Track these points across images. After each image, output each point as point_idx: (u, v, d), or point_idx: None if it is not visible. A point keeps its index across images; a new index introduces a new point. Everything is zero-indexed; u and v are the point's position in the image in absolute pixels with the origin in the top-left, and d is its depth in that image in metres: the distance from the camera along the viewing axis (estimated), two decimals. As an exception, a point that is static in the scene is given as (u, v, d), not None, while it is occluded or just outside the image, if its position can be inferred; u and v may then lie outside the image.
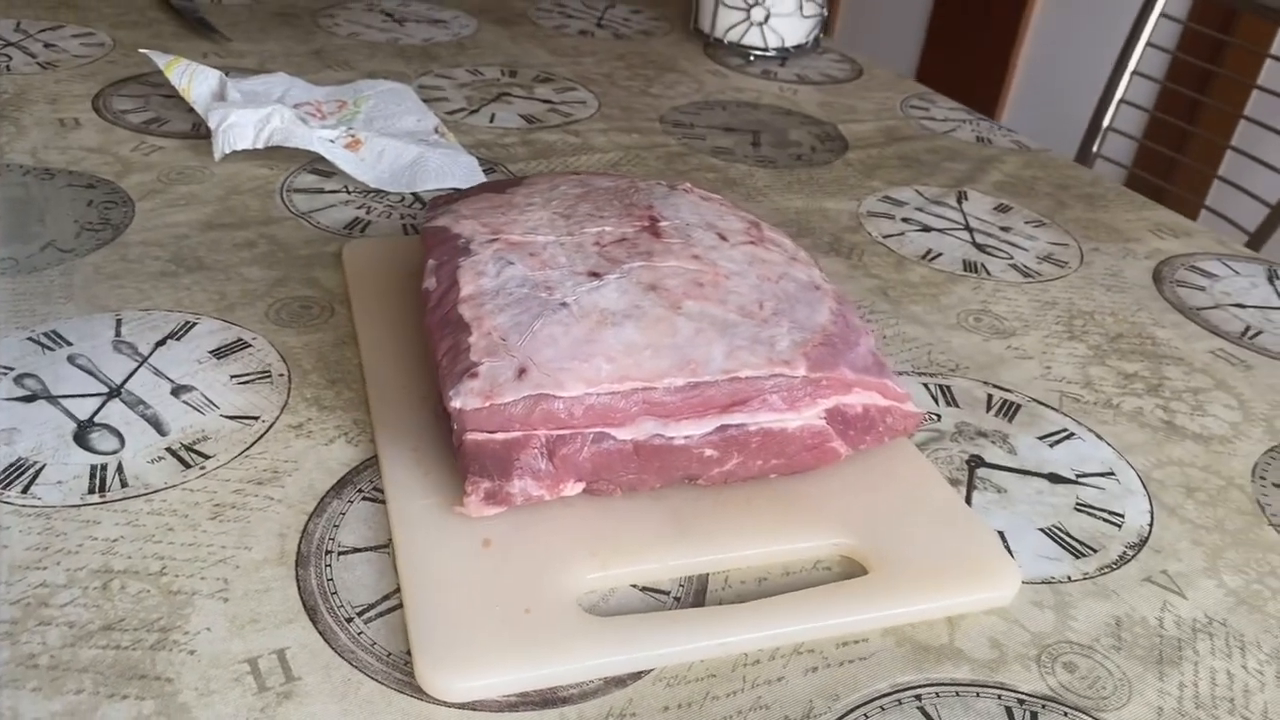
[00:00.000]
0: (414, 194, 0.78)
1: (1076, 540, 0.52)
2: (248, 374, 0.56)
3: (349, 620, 0.43)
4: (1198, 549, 0.52)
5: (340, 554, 0.46)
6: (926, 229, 0.82)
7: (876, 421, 0.53)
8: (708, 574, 0.47)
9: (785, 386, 0.50)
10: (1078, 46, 2.21)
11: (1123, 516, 0.54)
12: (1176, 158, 1.64)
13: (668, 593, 0.46)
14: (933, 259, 0.77)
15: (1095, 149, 1.48)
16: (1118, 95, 1.47)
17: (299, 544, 0.46)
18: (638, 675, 0.42)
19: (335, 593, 0.44)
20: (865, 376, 0.52)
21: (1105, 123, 1.48)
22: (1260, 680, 0.45)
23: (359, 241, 0.69)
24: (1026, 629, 0.46)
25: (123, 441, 0.51)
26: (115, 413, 0.52)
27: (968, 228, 0.83)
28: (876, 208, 0.84)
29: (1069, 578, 0.49)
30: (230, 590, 0.43)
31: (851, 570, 0.48)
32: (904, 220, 0.83)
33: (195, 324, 0.60)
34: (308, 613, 0.43)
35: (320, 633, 0.42)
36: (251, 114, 0.78)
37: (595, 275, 0.53)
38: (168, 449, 0.51)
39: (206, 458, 0.50)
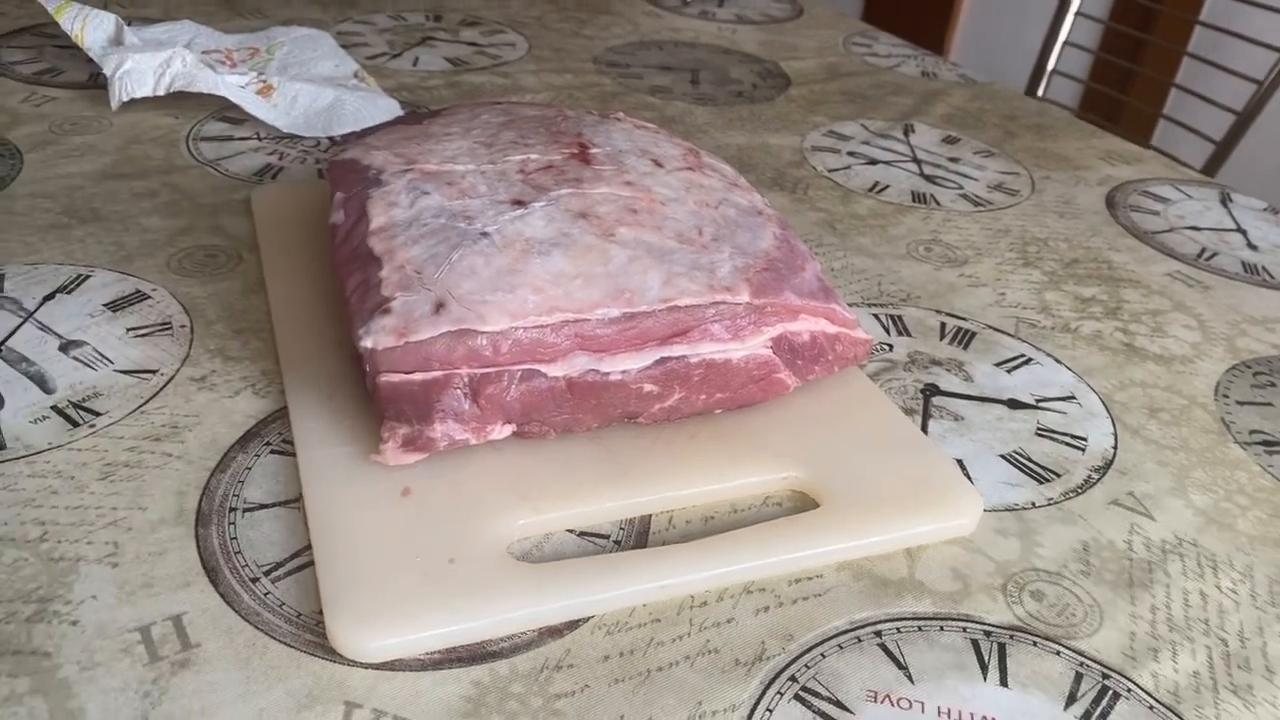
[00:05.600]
0: (330, 138, 0.73)
1: (1039, 466, 0.49)
2: (146, 326, 0.52)
3: (254, 580, 0.39)
4: (1164, 470, 0.49)
5: (246, 511, 0.42)
6: (873, 162, 0.79)
7: (825, 350, 0.50)
8: (650, 515, 0.44)
9: (728, 315, 0.47)
10: (1019, -7, 2.19)
11: (1086, 440, 0.51)
12: (1121, 97, 1.63)
13: (607, 536, 0.42)
14: (880, 191, 0.74)
15: (1041, 91, 1.46)
16: (1061, 36, 1.45)
17: (199, 502, 0.42)
18: (575, 624, 0.38)
19: (239, 552, 0.40)
20: (811, 302, 0.49)
21: (1050, 65, 1.46)
22: (1235, 600, 0.42)
23: (269, 186, 0.64)
24: (991, 558, 0.43)
25: (1, 401, 0.46)
26: (-5, 371, 0.48)
27: (915, 160, 0.80)
28: (821, 142, 0.81)
29: (1033, 504, 0.46)
30: (120, 554, 0.39)
31: (804, 505, 0.45)
32: (850, 154, 0.79)
33: (89, 277, 0.55)
34: (208, 574, 0.39)
35: (221, 595, 0.38)
36: (150, 59, 0.73)
37: (519, 203, 0.49)
38: (53, 407, 0.46)
39: (97, 415, 0.46)
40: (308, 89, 0.75)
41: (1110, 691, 0.38)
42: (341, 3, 1.00)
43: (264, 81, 0.76)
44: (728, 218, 0.52)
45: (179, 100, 0.76)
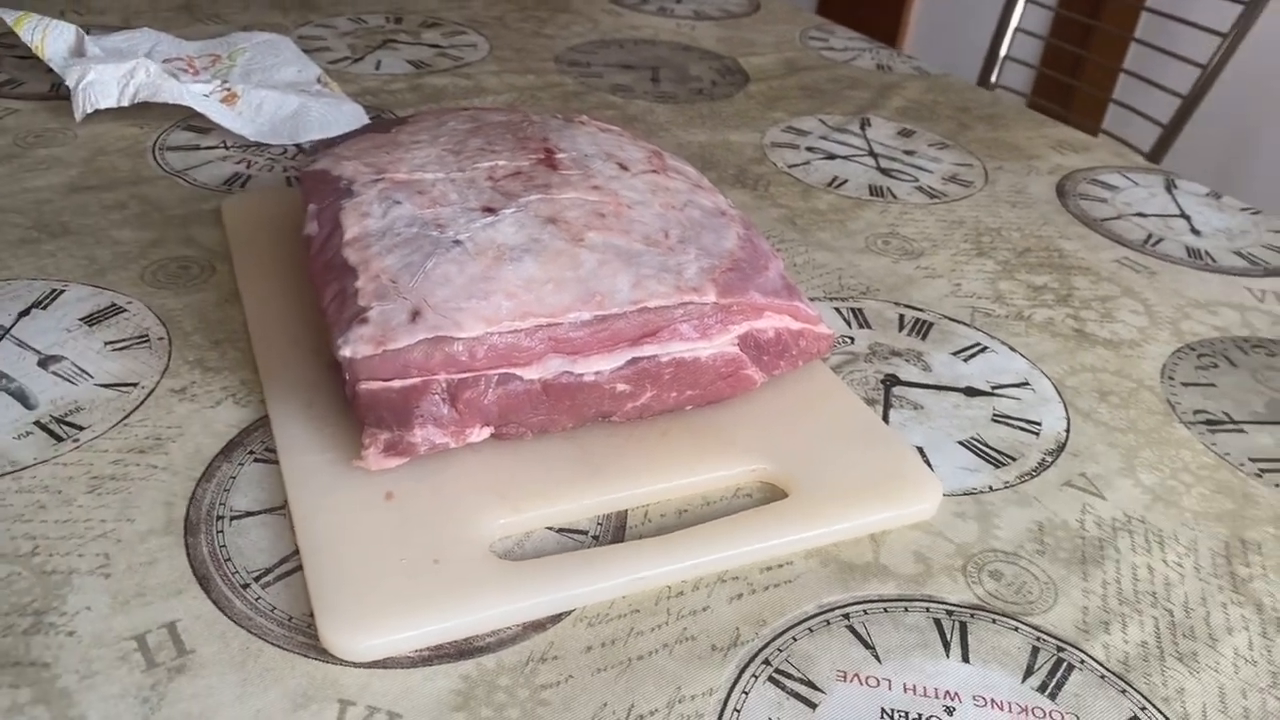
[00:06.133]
0: (297, 145, 0.73)
1: (995, 451, 0.51)
2: (123, 340, 0.52)
3: (245, 586, 0.40)
4: (1114, 451, 0.52)
5: (233, 519, 0.43)
6: (831, 157, 0.81)
7: (790, 345, 0.52)
8: (626, 510, 0.45)
9: (696, 314, 0.48)
10: (971, -20, 2.22)
11: (1040, 424, 0.53)
12: (1072, 83, 1.66)
13: (586, 532, 0.44)
14: (839, 186, 0.76)
15: (994, 79, 1.49)
16: (1013, 24, 1.48)
17: (187, 511, 0.43)
18: (557, 618, 0.40)
19: (229, 559, 0.41)
20: (775, 300, 0.51)
21: (1002, 52, 1.49)
22: (1180, 573, 0.45)
23: (239, 196, 0.65)
24: (951, 540, 0.45)
25: (-15, 419, 0.47)
26: (-24, 389, 0.48)
27: (872, 153, 0.82)
28: (780, 138, 0.83)
29: (990, 488, 0.49)
30: (112, 565, 0.40)
31: (773, 496, 0.46)
32: (809, 149, 0.81)
33: (63, 291, 0.56)
34: (199, 582, 0.40)
35: (214, 601, 0.39)
36: (114, 69, 0.73)
37: (490, 210, 0.51)
38: (36, 423, 0.47)
39: (80, 429, 0.47)
40: (272, 96, 0.76)
41: (1065, 663, 0.40)
42: (302, 6, 1.01)
43: (228, 89, 0.76)
44: (693, 219, 0.53)
45: (143, 110, 0.76)
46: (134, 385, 0.50)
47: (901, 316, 0.61)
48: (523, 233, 0.49)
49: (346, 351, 0.44)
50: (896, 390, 0.55)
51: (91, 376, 0.50)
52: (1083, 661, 0.40)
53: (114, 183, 0.67)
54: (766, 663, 0.39)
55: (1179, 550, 0.46)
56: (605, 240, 0.50)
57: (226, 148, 0.73)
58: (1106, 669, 0.40)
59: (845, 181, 0.77)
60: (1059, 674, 0.40)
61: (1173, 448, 0.52)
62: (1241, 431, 0.54)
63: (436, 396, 0.45)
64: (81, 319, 0.54)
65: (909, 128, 0.87)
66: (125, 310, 0.55)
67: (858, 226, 0.71)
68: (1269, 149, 1.80)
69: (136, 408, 0.48)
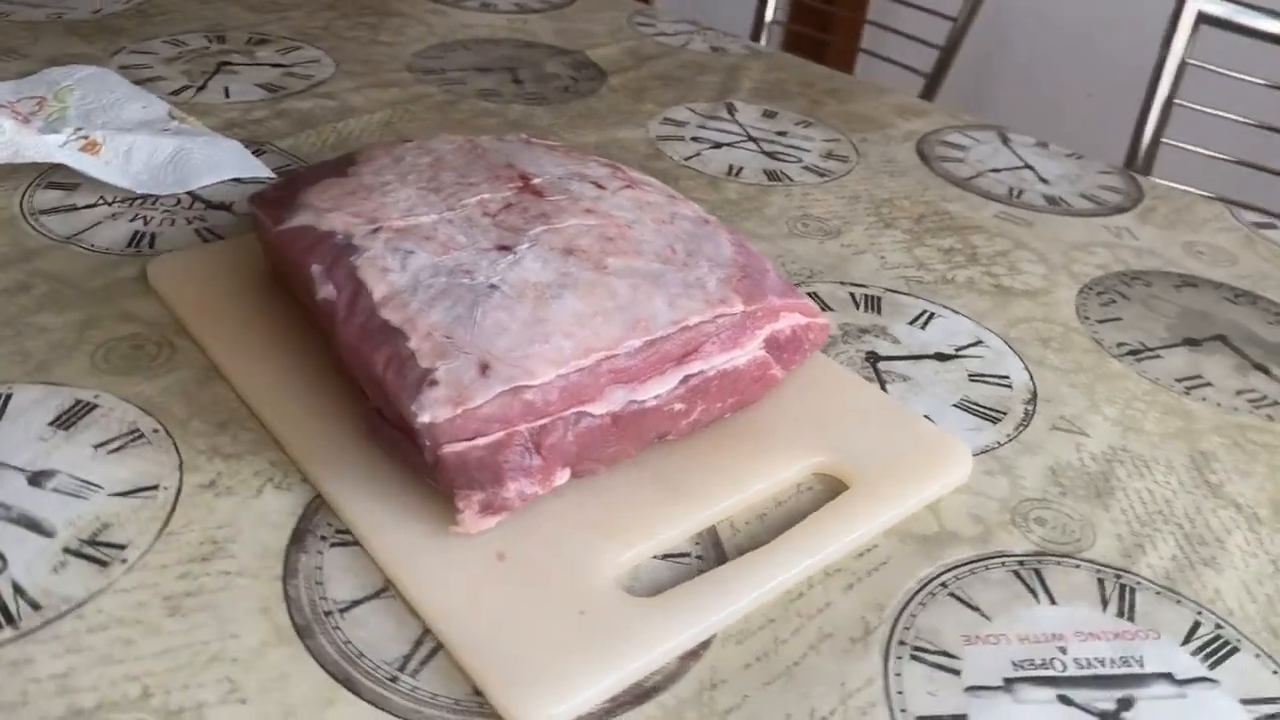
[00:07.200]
0: (190, 194, 0.68)
1: (986, 408, 0.57)
2: (114, 439, 0.48)
3: (393, 680, 0.38)
4: (1075, 391, 0.59)
5: (342, 611, 0.41)
6: (717, 145, 0.84)
7: (801, 340, 0.54)
8: (714, 525, 0.47)
9: (729, 325, 0.50)
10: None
11: (1008, 377, 0.59)
12: (824, 37, 1.78)
13: (688, 554, 0.45)
14: (738, 174, 0.79)
15: (763, 40, 1.57)
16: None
17: (289, 615, 0.40)
18: (705, 644, 0.41)
19: (362, 655, 0.39)
20: (788, 299, 0.53)
21: (768, 17, 1.58)
22: (1171, 490, 0.52)
23: (162, 260, 0.59)
24: (991, 497, 0.50)
25: (3, 560, 0.41)
26: (-30, 525, 0.42)
27: (751, 138, 0.86)
28: (663, 131, 0.85)
29: (998, 443, 0.54)
30: (242, 689, 0.37)
31: (830, 485, 0.49)
32: (693, 140, 0.84)
33: (9, 396, 0.49)
34: (344, 685, 0.38)
35: (371, 702, 0.37)
36: (-47, 129, 0.64)
37: (505, 249, 0.50)
38: (65, 550, 0.42)
39: (121, 548, 0.42)
40: (143, 140, 0.69)
41: (1127, 588, 0.46)
42: (103, 31, 0.91)
43: (85, 137, 0.69)
44: (686, 231, 0.55)
45: (-16, 170, 0.67)
46: (154, 488, 0.45)
47: (852, 295, 0.65)
48: (549, 268, 0.49)
49: (425, 417, 0.43)
50: (881, 365, 0.59)
51: (100, 487, 0.45)
52: (1139, 584, 0.46)
53: (2, 262, 0.59)
54: (902, 643, 0.42)
55: (1161, 471, 0.53)
56: (626, 265, 0.51)
57: (108, 203, 0.66)
58: (1159, 585, 0.46)
59: (741, 169, 0.80)
60: (1127, 598, 0.45)
61: (1116, 381, 0.60)
62: (1159, 357, 0.63)
63: (520, 447, 0.44)
64: (51, 424, 0.48)
65: (770, 109, 0.91)
66: (97, 406, 0.49)
67: (773, 212, 0.74)
68: (1005, 74, 2.03)
69: (171, 513, 0.44)
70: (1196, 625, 0.44)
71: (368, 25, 0.99)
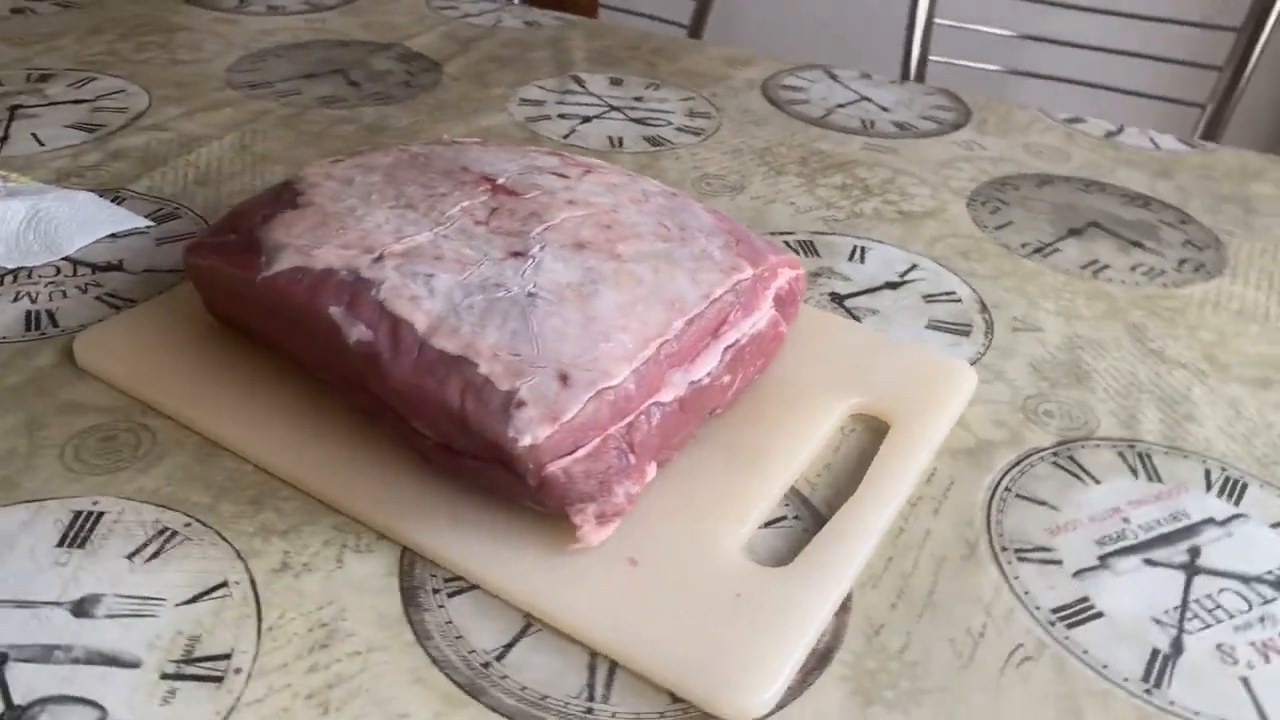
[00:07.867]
0: (66, 259, 0.59)
1: (953, 324, 0.61)
2: (144, 545, 0.42)
3: (589, 712, 0.37)
4: (1012, 294, 0.64)
5: (499, 659, 0.38)
6: (586, 119, 0.83)
7: (795, 292, 0.56)
8: (793, 483, 0.48)
9: (745, 291, 0.51)
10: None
11: (955, 292, 0.64)
12: None
13: (785, 516, 0.46)
14: (622, 145, 0.79)
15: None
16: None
17: (447, 678, 0.38)
18: (849, 597, 0.42)
19: (545, 696, 0.37)
20: (779, 255, 0.55)
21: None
22: (1129, 363, 0.58)
23: (85, 338, 0.52)
24: (1000, 402, 0.55)
25: (98, 708, 0.36)
26: (34, 680, 0.36)
27: (613, 108, 0.85)
28: (528, 113, 0.83)
29: (979, 353, 0.58)
30: (445, 766, 0.35)
31: (871, 424, 0.52)
32: (560, 117, 0.83)
33: (-14, 525, 0.42)
34: (546, 732, 0.36)
35: (581, 741, 0.36)
36: None
37: (518, 255, 0.48)
38: (163, 676, 0.37)
39: (225, 658, 0.38)
40: (-14, 209, 0.60)
41: (1143, 455, 0.52)
42: None
43: (-91, 216, 0.58)
44: (663, 206, 0.55)
45: None
46: (223, 586, 0.40)
47: (787, 243, 0.68)
48: (571, 266, 0.48)
49: (526, 440, 0.41)
50: (848, 304, 0.62)
51: (163, 599, 0.40)
52: (1150, 449, 0.52)
53: (-118, 375, 0.49)
54: (1004, 549, 0.45)
55: (1113, 348, 0.60)
56: (636, 249, 0.50)
57: (-27, 287, 0.56)
58: (1165, 446, 0.52)
59: (622, 139, 0.80)
60: (1148, 464, 0.51)
61: (1037, 278, 0.66)
62: (1058, 250, 0.69)
63: (617, 449, 0.43)
64: (57, 545, 0.41)
65: (615, 76, 0.91)
66: (103, 513, 0.43)
67: (674, 178, 0.75)
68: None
69: (259, 609, 0.40)
70: (1208, 473, 0.51)
71: (156, 45, 0.90)
